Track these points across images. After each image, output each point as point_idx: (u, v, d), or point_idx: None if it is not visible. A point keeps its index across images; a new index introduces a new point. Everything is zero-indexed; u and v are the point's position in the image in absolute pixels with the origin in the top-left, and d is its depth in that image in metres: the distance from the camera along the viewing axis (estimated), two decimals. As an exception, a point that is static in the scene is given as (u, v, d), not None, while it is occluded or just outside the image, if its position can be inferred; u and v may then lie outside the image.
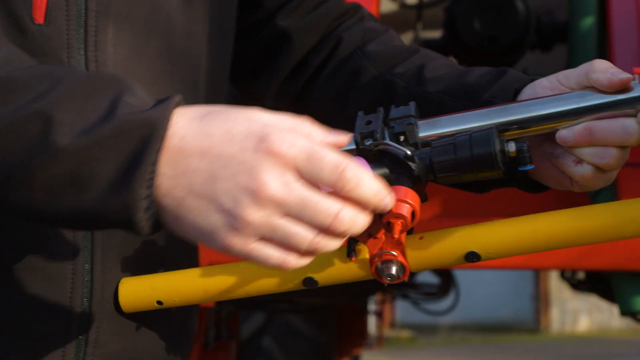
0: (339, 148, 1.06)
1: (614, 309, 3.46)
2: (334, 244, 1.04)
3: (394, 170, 1.14)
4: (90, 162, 1.00)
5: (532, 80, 1.25)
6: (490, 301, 16.26)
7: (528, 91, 1.24)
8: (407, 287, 5.61)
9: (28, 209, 1.03)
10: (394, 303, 13.54)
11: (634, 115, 1.14)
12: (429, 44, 4.21)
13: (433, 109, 1.30)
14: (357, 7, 1.49)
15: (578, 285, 4.69)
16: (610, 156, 1.15)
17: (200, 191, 1.01)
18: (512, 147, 1.11)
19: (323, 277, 1.19)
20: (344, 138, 1.06)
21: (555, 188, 1.21)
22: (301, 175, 1.01)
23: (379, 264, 1.16)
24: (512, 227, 1.14)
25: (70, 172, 1.00)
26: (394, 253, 1.15)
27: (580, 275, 4.57)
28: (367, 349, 8.55)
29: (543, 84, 1.22)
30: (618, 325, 15.90)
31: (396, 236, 1.11)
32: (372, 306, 6.88)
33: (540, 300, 16.22)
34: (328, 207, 1.01)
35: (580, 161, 1.16)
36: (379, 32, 1.47)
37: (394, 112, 1.18)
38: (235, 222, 1.00)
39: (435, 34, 4.31)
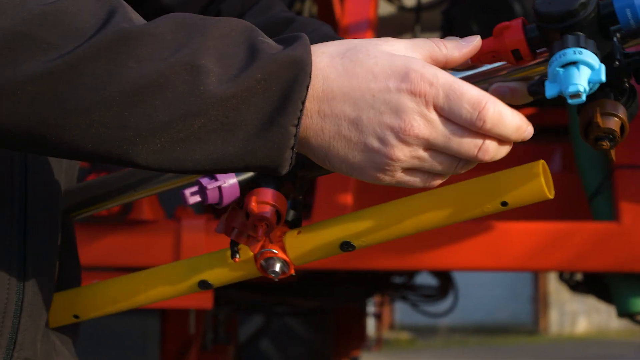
0: (477, 52, 1.10)
1: (613, 311, 3.47)
2: (474, 163, 1.09)
3: (259, 173, 1.18)
4: (240, 106, 1.02)
5: None
6: (489, 303, 16.28)
7: None
8: (405, 288, 5.61)
9: (169, 159, 1.03)
10: (393, 305, 13.55)
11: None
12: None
13: None
14: None
15: (576, 287, 4.70)
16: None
17: (348, 133, 1.04)
18: None
19: (215, 279, 1.26)
20: (477, 43, 1.10)
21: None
22: (442, 112, 1.04)
23: (262, 261, 1.21)
24: (380, 214, 1.18)
25: (221, 117, 1.02)
26: (274, 250, 1.20)
27: (579, 277, 4.57)
28: (366, 351, 8.56)
29: None
30: (616, 326, 15.92)
31: (259, 238, 1.17)
32: (371, 308, 6.89)
33: (538, 302, 16.24)
34: (470, 141, 1.05)
35: None
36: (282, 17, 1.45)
37: None
38: (383, 160, 1.05)
39: (434, 36, 4.32)
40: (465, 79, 1.15)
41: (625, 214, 3.21)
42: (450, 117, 1.04)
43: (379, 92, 1.03)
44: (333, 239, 1.20)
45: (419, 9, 4.30)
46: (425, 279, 6.16)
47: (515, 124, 1.06)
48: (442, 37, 3.92)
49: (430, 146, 1.05)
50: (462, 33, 4.09)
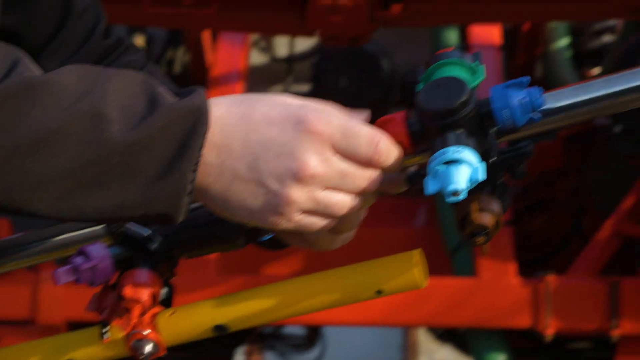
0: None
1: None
2: (367, 201, 1.12)
3: (135, 252, 1.18)
4: (141, 153, 1.04)
5: None
6: (359, 352, 16.33)
7: None
8: (274, 338, 5.59)
9: (70, 207, 1.05)
10: (262, 354, 13.47)
11: None
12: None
13: None
14: (120, 41, 1.48)
15: (443, 336, 4.76)
16: (343, 219, 1.17)
17: (247, 175, 1.07)
18: None
19: (84, 358, 1.23)
20: (364, 116, 1.13)
21: (297, 247, 1.24)
22: (338, 150, 1.07)
23: (133, 342, 1.20)
24: (254, 298, 1.18)
25: (121, 165, 1.04)
26: (146, 332, 1.19)
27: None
28: (235, 399, 8.46)
29: None
30: (485, 375, 16.14)
31: (134, 321, 1.16)
32: (239, 358, 6.84)
33: (407, 350, 16.37)
34: (363, 174, 1.08)
35: None
36: (136, 68, 1.45)
37: None
38: (281, 202, 1.07)
39: (306, 87, 4.36)
40: None
41: (484, 270, 3.27)
42: (348, 154, 1.08)
43: (277, 134, 1.06)
44: (207, 321, 1.19)
45: (291, 59, 4.34)
46: (293, 329, 6.14)
47: (398, 156, 1.11)
48: (312, 89, 3.95)
49: (326, 186, 1.08)
50: (331, 85, 4.16)
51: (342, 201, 1.09)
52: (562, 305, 3.26)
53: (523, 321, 3.25)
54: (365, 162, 1.09)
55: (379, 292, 1.14)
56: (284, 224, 1.08)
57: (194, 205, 1.19)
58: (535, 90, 1.09)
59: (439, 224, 3.50)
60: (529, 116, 1.09)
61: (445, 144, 1.07)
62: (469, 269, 3.38)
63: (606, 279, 3.30)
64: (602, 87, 1.10)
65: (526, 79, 1.10)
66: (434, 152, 1.07)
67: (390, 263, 1.14)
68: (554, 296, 3.24)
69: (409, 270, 1.12)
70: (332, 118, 1.08)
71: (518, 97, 1.09)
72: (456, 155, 1.06)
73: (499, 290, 3.28)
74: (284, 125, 1.06)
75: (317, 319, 3.39)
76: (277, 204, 1.07)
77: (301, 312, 1.17)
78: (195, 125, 1.05)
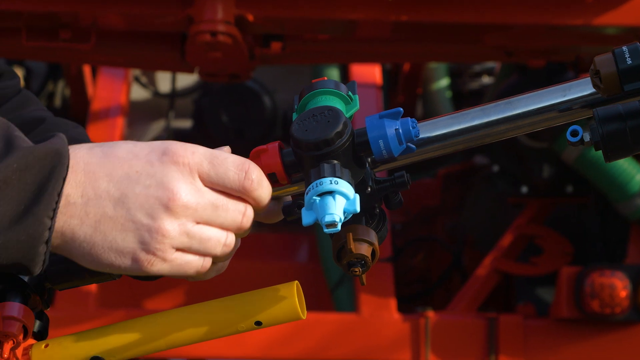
0: None
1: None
2: (237, 242, 1.08)
3: (5, 286, 1.15)
4: None
5: None
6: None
7: None
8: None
9: None
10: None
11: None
12: (180, 134, 4.23)
13: None
14: None
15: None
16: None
17: (114, 213, 1.02)
18: None
19: None
20: (226, 149, 1.10)
21: (171, 277, 1.22)
22: (207, 180, 1.04)
23: None
24: (132, 329, 1.16)
25: None
26: None
27: None
28: None
29: None
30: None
31: (5, 355, 1.12)
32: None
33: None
34: (236, 206, 1.05)
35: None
36: (10, 95, 1.42)
37: None
38: (153, 237, 1.02)
39: (188, 123, 4.34)
40: None
41: (365, 305, 3.29)
42: (216, 183, 1.04)
43: (143, 167, 1.02)
44: (82, 354, 1.16)
45: (173, 95, 4.32)
46: None
47: (268, 185, 1.08)
48: (194, 124, 3.92)
49: (198, 219, 1.03)
50: (213, 122, 4.14)
51: (216, 236, 1.05)
52: (442, 340, 3.30)
53: (404, 356, 3.28)
54: (237, 191, 1.05)
55: (258, 324, 1.13)
56: (157, 264, 1.03)
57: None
58: (409, 120, 1.09)
59: (321, 260, 3.52)
60: (405, 146, 1.09)
61: (320, 175, 1.05)
62: (350, 305, 3.40)
63: (484, 315, 3.35)
64: (476, 116, 1.11)
65: (400, 110, 1.09)
66: (309, 183, 1.06)
67: (269, 294, 1.12)
68: (433, 332, 3.28)
69: (288, 300, 1.11)
70: (197, 148, 1.04)
71: (393, 127, 1.08)
72: (332, 186, 1.05)
73: (380, 326, 3.30)
74: (149, 158, 1.03)
75: (197, 352, 3.35)
76: (149, 239, 1.02)
77: (179, 344, 1.15)
78: (54, 169, 1.00)
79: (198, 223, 1.04)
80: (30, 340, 1.18)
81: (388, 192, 1.12)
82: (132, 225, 1.02)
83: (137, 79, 4.44)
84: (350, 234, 1.08)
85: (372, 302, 3.33)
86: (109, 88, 3.74)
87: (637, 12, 2.83)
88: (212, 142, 3.89)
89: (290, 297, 1.11)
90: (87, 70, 4.09)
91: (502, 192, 3.70)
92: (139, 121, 4.45)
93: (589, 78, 1.06)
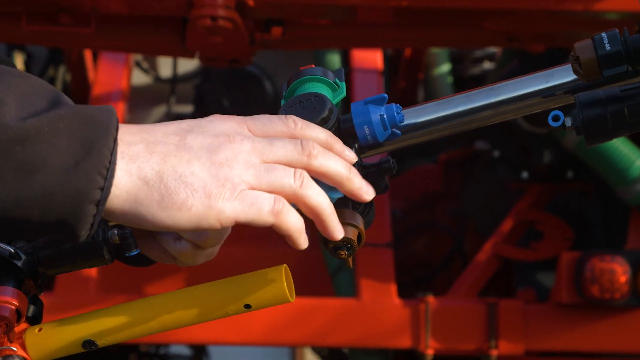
0: None
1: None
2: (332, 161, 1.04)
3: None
4: (40, 144, 0.94)
5: None
6: (246, 373, 16.28)
7: None
8: (158, 358, 5.55)
9: None
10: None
11: None
12: (181, 118, 4.22)
13: None
14: None
15: (328, 356, 4.79)
16: (206, 234, 1.13)
17: (177, 152, 0.98)
18: (114, 235, 1.14)
19: None
20: None
21: (162, 262, 1.22)
22: (256, 131, 1.03)
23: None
24: (123, 312, 1.18)
25: (17, 155, 0.94)
26: (14, 348, 1.17)
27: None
28: None
29: None
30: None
31: None
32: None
33: (294, 372, 16.39)
34: (288, 142, 1.02)
35: (179, 238, 1.13)
36: None
37: None
38: (221, 169, 0.99)
39: (189, 108, 4.35)
40: None
41: (365, 290, 3.30)
42: (266, 131, 1.04)
43: (193, 123, 1.01)
44: (75, 337, 1.17)
45: (174, 80, 4.32)
46: (178, 348, 6.10)
47: (324, 130, 1.07)
48: (195, 110, 3.92)
49: (261, 156, 1.02)
50: (214, 107, 4.15)
51: (283, 169, 1.02)
52: (442, 325, 3.31)
53: (404, 341, 3.29)
54: (286, 131, 1.04)
55: (247, 307, 1.14)
56: (229, 200, 0.99)
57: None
58: (394, 106, 1.11)
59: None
60: (390, 131, 1.11)
61: None
62: (350, 290, 3.41)
63: (485, 300, 3.36)
64: (461, 102, 1.13)
65: (384, 95, 1.11)
66: None
67: (257, 277, 1.14)
68: (433, 317, 3.29)
69: (277, 284, 1.13)
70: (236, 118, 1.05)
71: (378, 112, 1.10)
72: None
73: (380, 311, 3.32)
74: (197, 122, 1.02)
75: (200, 338, 3.36)
76: (217, 171, 0.99)
77: (170, 327, 1.16)
78: (105, 124, 0.97)
79: (263, 162, 1.02)
80: (24, 325, 1.19)
81: (374, 177, 1.12)
82: (198, 161, 0.99)
83: (138, 64, 4.45)
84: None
85: (373, 288, 3.34)
86: (110, 73, 3.75)
87: (637, -3, 2.83)
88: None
89: (279, 280, 1.12)
90: (88, 55, 4.09)
91: (503, 177, 3.70)
92: (140, 106, 4.46)
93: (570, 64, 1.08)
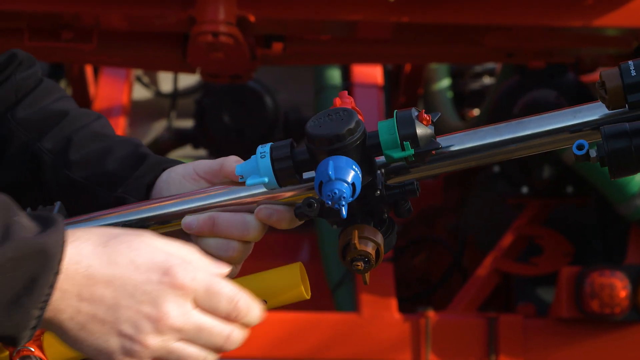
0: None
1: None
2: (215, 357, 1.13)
3: None
4: None
5: (170, 166, 1.31)
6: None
7: (164, 178, 1.29)
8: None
9: None
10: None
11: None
12: (182, 134, 4.24)
13: (82, 195, 1.32)
14: (12, 56, 1.41)
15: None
16: (232, 249, 1.22)
17: (104, 317, 1.08)
18: None
19: None
20: (227, 270, 1.15)
21: None
22: (199, 304, 1.10)
23: (18, 359, 1.19)
24: None
25: None
26: (32, 349, 1.19)
27: None
28: None
29: (178, 171, 1.28)
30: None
31: None
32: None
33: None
34: (221, 330, 1.11)
35: (204, 252, 1.20)
36: (31, 85, 1.42)
37: None
38: (133, 346, 1.08)
39: (189, 123, 4.36)
40: (232, 203, 1.21)
41: (365, 305, 3.31)
42: (208, 309, 1.10)
43: (141, 283, 1.08)
44: None
45: (175, 95, 4.33)
46: None
47: (258, 313, 1.13)
48: (195, 125, 3.90)
49: (182, 337, 1.09)
50: (214, 122, 4.13)
51: (195, 355, 1.10)
52: (442, 340, 3.31)
53: (404, 356, 3.29)
54: (225, 318, 1.11)
55: (264, 302, 1.16)
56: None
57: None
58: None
59: (322, 259, 3.53)
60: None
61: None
62: (351, 305, 3.41)
63: (485, 315, 3.37)
64: (489, 134, 1.14)
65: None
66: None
67: (274, 274, 1.17)
68: (434, 332, 3.29)
69: (293, 279, 1.15)
70: (197, 273, 1.10)
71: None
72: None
73: (381, 326, 3.32)
74: (149, 275, 1.08)
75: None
76: (130, 348, 1.08)
77: None
78: (46, 265, 1.05)
79: (181, 340, 1.10)
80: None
81: (397, 199, 1.15)
82: (118, 332, 1.08)
83: (139, 79, 4.46)
84: (357, 231, 1.12)
85: (373, 302, 3.34)
86: (111, 88, 3.76)
87: (636, 13, 2.84)
88: (213, 143, 3.93)
89: (295, 276, 1.15)
90: (89, 70, 4.10)
91: (503, 192, 3.71)
92: (141, 121, 4.47)
93: (599, 102, 1.11)
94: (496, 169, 3.71)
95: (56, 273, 1.05)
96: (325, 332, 3.31)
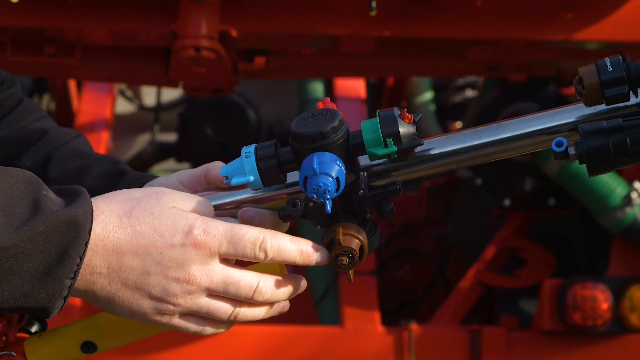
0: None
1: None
2: (257, 312, 1.16)
3: None
4: (19, 255, 1.06)
5: (149, 181, 1.34)
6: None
7: None
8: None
9: None
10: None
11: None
12: (165, 147, 4.24)
13: None
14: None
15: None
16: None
17: (134, 285, 1.13)
18: None
19: None
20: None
21: None
22: (225, 255, 1.12)
23: None
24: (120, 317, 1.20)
25: (1, 262, 1.06)
26: (13, 353, 1.20)
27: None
28: None
29: (160, 183, 1.32)
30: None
31: None
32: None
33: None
34: (249, 281, 1.13)
35: None
36: (12, 105, 1.47)
37: None
38: (163, 307, 1.13)
39: (172, 136, 4.36)
40: (221, 205, 1.23)
41: (349, 318, 3.31)
42: (236, 257, 1.13)
43: (165, 249, 1.12)
44: (74, 340, 1.21)
45: (158, 109, 4.33)
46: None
47: (296, 247, 1.13)
48: (179, 138, 3.89)
49: (209, 292, 1.13)
50: (197, 135, 4.12)
51: (223, 309, 1.14)
52: (426, 353, 3.31)
53: (388, 369, 3.29)
54: (254, 259, 1.13)
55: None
56: (163, 321, 1.15)
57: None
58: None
59: (305, 272, 3.53)
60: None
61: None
62: (334, 318, 3.41)
63: (467, 327, 3.37)
64: (469, 137, 1.16)
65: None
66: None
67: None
68: (417, 344, 3.29)
69: (274, 267, 1.17)
70: (218, 229, 1.13)
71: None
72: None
73: (364, 339, 3.32)
74: (172, 239, 1.12)
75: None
76: (161, 308, 1.14)
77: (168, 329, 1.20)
78: (76, 236, 1.09)
79: (209, 295, 1.14)
80: (24, 335, 1.23)
81: (380, 199, 1.17)
82: (149, 296, 1.14)
83: (122, 93, 4.46)
84: (341, 227, 1.14)
85: (356, 315, 3.34)
86: (94, 102, 3.76)
87: (616, 27, 2.86)
88: (196, 156, 3.91)
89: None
90: (72, 84, 4.10)
91: (486, 204, 3.72)
92: (124, 134, 4.47)
93: (577, 105, 1.13)
94: (479, 181, 3.73)
95: (86, 243, 1.09)
96: (309, 345, 3.31)
